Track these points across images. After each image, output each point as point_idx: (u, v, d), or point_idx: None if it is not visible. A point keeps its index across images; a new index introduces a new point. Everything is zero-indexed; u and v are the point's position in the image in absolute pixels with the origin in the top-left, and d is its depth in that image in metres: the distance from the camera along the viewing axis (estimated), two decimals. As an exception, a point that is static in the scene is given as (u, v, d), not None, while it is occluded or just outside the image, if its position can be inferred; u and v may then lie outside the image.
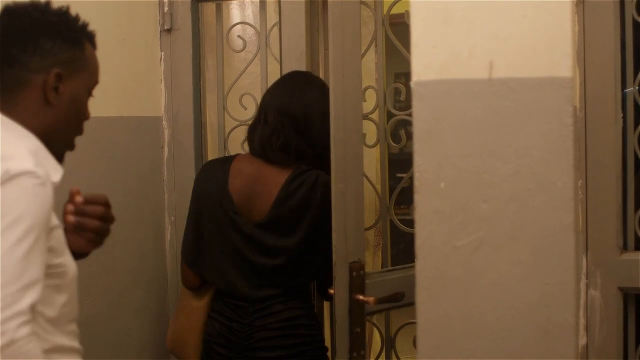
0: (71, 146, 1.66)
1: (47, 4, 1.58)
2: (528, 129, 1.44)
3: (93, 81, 1.66)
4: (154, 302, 2.81)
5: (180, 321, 2.47)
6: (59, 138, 1.59)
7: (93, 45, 1.66)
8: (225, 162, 2.37)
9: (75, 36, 1.59)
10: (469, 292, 1.49)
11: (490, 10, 1.46)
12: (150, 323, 2.79)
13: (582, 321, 2.08)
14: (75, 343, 1.60)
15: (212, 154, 2.87)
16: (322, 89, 2.35)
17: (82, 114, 1.64)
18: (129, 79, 2.66)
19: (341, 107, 2.06)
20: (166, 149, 2.84)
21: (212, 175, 2.35)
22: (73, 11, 1.63)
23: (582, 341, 2.08)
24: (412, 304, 1.60)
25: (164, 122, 2.84)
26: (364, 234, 2.22)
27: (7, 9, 1.55)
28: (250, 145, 2.36)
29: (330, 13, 2.07)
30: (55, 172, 1.51)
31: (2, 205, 1.35)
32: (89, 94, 1.65)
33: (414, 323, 1.52)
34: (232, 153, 2.79)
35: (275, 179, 2.27)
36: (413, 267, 1.52)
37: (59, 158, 1.60)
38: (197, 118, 2.83)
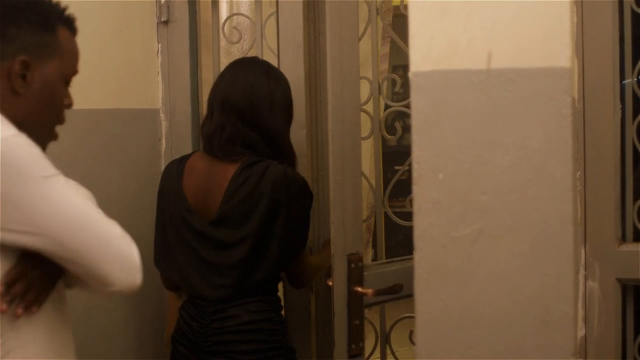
0: (52, 136, 1.60)
1: None
2: (527, 119, 1.44)
3: (69, 68, 1.58)
4: (153, 294, 2.81)
5: (171, 319, 2.48)
6: (35, 129, 1.51)
7: (71, 30, 1.59)
8: (182, 160, 2.34)
9: (45, 20, 1.51)
10: (468, 284, 1.48)
11: (488, 1, 1.45)
12: (150, 315, 2.79)
13: (580, 312, 2.07)
14: None
15: (209, 146, 2.86)
16: (266, 72, 2.29)
17: (56, 102, 1.57)
18: (126, 71, 2.65)
19: (339, 99, 2.06)
20: (164, 141, 2.84)
21: (170, 174, 2.33)
22: (69, 5, 1.59)
23: (581, 332, 2.08)
24: (410, 295, 1.62)
25: (162, 115, 2.83)
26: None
27: None
28: (202, 142, 2.33)
29: (327, 3, 2.06)
30: None
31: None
32: (66, 81, 1.58)
33: (409, 317, 1.52)
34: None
35: (225, 174, 2.22)
36: (411, 259, 1.53)
37: (42, 148, 1.53)
38: (195, 110, 2.82)
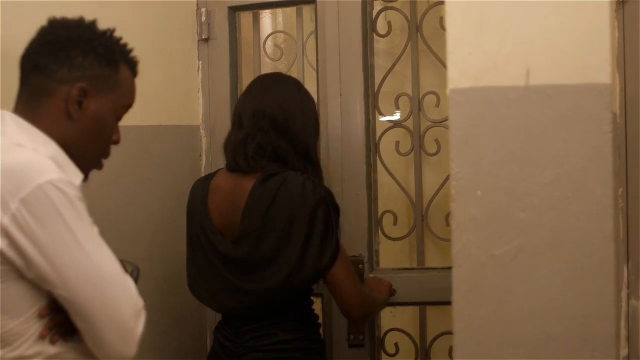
0: (97, 165, 1.64)
1: (92, 23, 1.59)
2: (566, 136, 1.43)
3: (122, 104, 1.63)
4: (192, 309, 2.82)
5: None
6: (79, 154, 1.56)
7: (133, 70, 1.65)
8: (207, 178, 2.29)
9: (110, 56, 1.58)
10: (507, 301, 1.47)
11: (526, 16, 1.44)
12: (189, 330, 2.80)
13: (623, 332, 2.04)
14: None
15: (249, 162, 2.88)
16: (296, 85, 2.27)
17: (105, 135, 1.61)
18: (167, 88, 2.68)
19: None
20: (204, 157, 2.86)
21: (195, 195, 2.28)
22: (113, 24, 1.63)
23: (624, 352, 2.04)
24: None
25: (202, 131, 2.86)
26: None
27: (51, 20, 1.57)
28: (226, 158, 2.25)
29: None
30: (75, 177, 1.53)
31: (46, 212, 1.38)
32: (117, 116, 1.63)
33: (448, 333, 1.51)
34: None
35: (244, 190, 2.14)
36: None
37: (84, 174, 1.59)
38: (235, 126, 2.84)
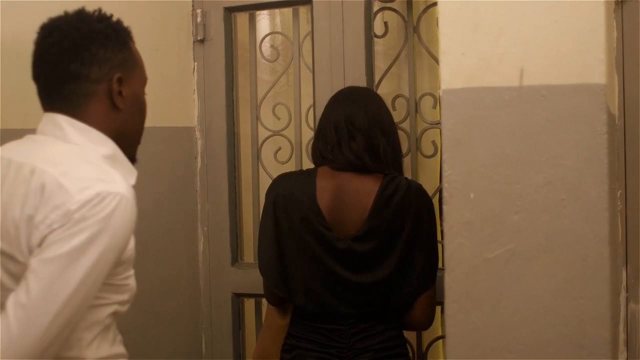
0: (139, 139, 1.70)
1: (91, 14, 1.59)
2: (560, 137, 1.41)
3: (144, 76, 1.68)
4: (187, 312, 2.81)
5: (266, 339, 2.38)
6: (134, 137, 1.65)
7: (133, 41, 1.67)
8: (308, 176, 2.23)
9: (121, 38, 1.60)
10: (500, 306, 1.45)
11: (521, 16, 1.42)
12: (183, 333, 2.79)
13: (622, 336, 2.01)
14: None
15: (245, 164, 2.86)
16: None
17: (144, 111, 1.67)
18: (162, 90, 2.66)
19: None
20: (199, 159, 2.84)
21: (296, 190, 2.21)
22: None
23: (623, 356, 2.02)
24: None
25: (197, 133, 2.84)
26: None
27: (55, 25, 1.55)
28: (328, 159, 2.21)
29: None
30: (130, 175, 1.58)
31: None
32: (144, 90, 1.68)
33: (443, 337, 1.50)
34: (265, 163, 2.79)
35: (366, 189, 2.16)
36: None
37: (132, 155, 1.66)
38: (230, 128, 2.82)
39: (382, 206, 2.14)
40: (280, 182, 2.26)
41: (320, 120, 2.28)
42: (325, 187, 2.18)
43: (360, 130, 2.19)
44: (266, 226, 2.23)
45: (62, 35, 1.53)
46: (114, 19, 1.61)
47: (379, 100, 2.29)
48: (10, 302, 1.36)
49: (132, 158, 1.67)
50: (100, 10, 1.60)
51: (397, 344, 2.21)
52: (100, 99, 1.55)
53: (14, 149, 1.54)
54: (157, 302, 2.63)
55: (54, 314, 1.36)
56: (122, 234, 1.43)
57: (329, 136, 2.22)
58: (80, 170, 1.44)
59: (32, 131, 1.60)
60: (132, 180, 1.57)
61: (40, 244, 1.37)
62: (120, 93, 1.56)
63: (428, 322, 2.24)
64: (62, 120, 1.53)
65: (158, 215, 2.63)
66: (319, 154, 2.24)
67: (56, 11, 1.61)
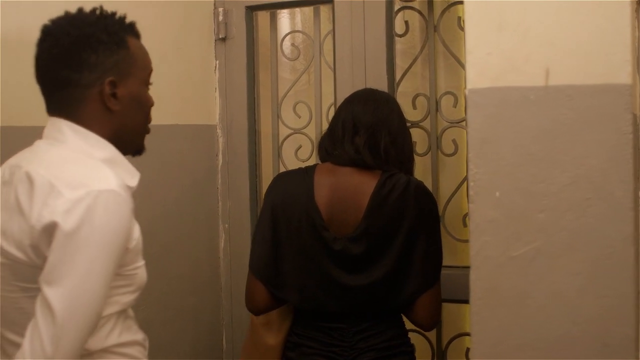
0: (147, 132, 1.69)
1: (82, 14, 1.58)
2: (585, 137, 1.41)
3: (146, 71, 1.65)
4: (208, 308, 2.83)
5: (249, 335, 2.33)
6: (131, 134, 1.63)
7: (136, 35, 1.65)
8: (306, 173, 2.20)
9: (116, 38, 1.58)
10: (525, 304, 1.46)
11: (546, 16, 1.43)
12: (204, 329, 2.81)
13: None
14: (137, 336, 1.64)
15: (266, 162, 2.88)
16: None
17: (144, 106, 1.66)
18: (184, 88, 2.68)
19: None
20: (220, 156, 2.86)
21: (293, 188, 2.18)
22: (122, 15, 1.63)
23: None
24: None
25: (219, 130, 2.86)
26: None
27: (48, 30, 1.56)
28: (332, 155, 2.19)
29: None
30: (132, 177, 1.57)
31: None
32: (147, 84, 1.66)
33: (465, 335, 1.50)
34: (286, 161, 2.80)
35: (364, 187, 2.12)
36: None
37: (140, 146, 1.67)
38: (252, 126, 2.84)
39: (378, 205, 2.10)
40: (279, 182, 2.25)
41: (332, 119, 2.27)
42: (324, 185, 2.15)
43: (365, 126, 2.17)
44: (263, 225, 2.19)
45: (53, 41, 1.54)
46: (112, 15, 1.60)
47: (392, 103, 2.26)
48: (35, 329, 1.39)
49: (140, 149, 1.68)
50: (100, 9, 1.59)
51: (401, 343, 2.19)
52: (93, 103, 1.56)
53: (19, 156, 1.58)
54: (179, 298, 2.65)
55: (83, 322, 1.41)
56: (114, 227, 1.44)
57: (336, 133, 2.21)
58: (71, 172, 1.46)
59: (32, 129, 1.64)
60: (134, 181, 1.57)
61: (37, 245, 1.42)
62: (114, 95, 1.56)
63: (433, 321, 2.19)
64: (64, 125, 1.55)
65: (180, 213, 2.66)
66: (324, 149, 2.23)
67: (56, 7, 1.61)
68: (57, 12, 1.58)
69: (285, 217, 2.15)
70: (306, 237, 2.12)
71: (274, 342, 2.23)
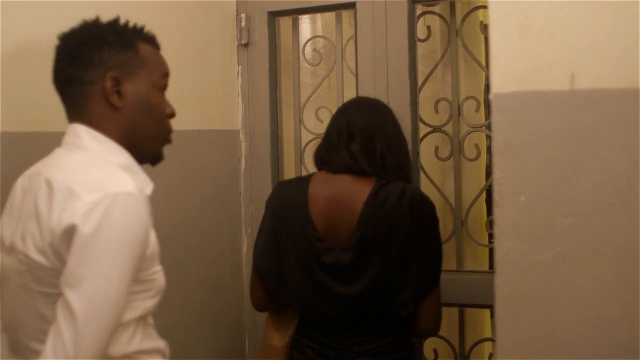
0: (165, 141, 1.69)
1: (96, 20, 1.63)
2: (611, 141, 1.40)
3: (157, 75, 1.66)
4: (231, 313, 2.84)
5: (265, 340, 2.37)
6: (141, 138, 1.63)
7: (153, 44, 1.68)
8: (302, 183, 2.23)
9: (124, 39, 1.61)
10: (550, 309, 1.45)
11: (571, 20, 1.42)
12: (226, 334, 2.82)
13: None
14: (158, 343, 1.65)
15: (288, 166, 2.89)
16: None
17: (156, 110, 1.65)
18: (207, 93, 2.70)
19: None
20: (243, 161, 2.87)
21: (290, 199, 2.21)
22: (153, 29, 1.68)
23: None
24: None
25: (241, 136, 2.88)
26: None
27: (62, 35, 1.62)
28: (327, 163, 2.22)
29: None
30: (146, 186, 1.58)
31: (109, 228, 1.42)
32: (160, 88, 1.67)
33: (488, 340, 1.49)
34: (308, 166, 2.81)
35: (359, 195, 2.13)
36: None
37: (158, 154, 1.68)
38: (274, 131, 2.86)
39: (371, 214, 2.10)
40: (278, 191, 2.29)
41: (327, 128, 2.28)
42: (319, 195, 2.17)
43: (361, 131, 2.19)
44: (265, 232, 2.25)
45: (63, 43, 1.61)
46: (125, 23, 1.64)
47: (386, 110, 2.30)
48: (56, 332, 1.40)
49: (158, 157, 1.69)
50: (116, 18, 1.64)
51: (399, 348, 2.19)
52: (97, 100, 1.59)
53: (38, 165, 1.60)
54: (201, 303, 2.67)
55: (103, 323, 1.42)
56: (132, 228, 1.46)
57: (331, 140, 2.23)
58: (90, 176, 1.48)
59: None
60: (148, 190, 1.57)
61: (57, 249, 1.43)
62: (118, 92, 1.58)
63: (434, 326, 2.20)
64: (81, 130, 1.58)
65: (203, 217, 2.67)
66: (319, 158, 2.26)
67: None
68: (67, 19, 1.65)
69: (284, 226, 2.20)
70: (302, 247, 2.16)
71: (279, 343, 2.30)
